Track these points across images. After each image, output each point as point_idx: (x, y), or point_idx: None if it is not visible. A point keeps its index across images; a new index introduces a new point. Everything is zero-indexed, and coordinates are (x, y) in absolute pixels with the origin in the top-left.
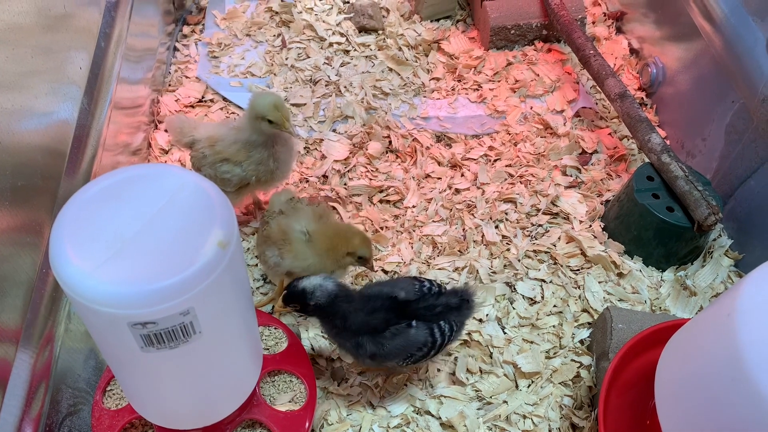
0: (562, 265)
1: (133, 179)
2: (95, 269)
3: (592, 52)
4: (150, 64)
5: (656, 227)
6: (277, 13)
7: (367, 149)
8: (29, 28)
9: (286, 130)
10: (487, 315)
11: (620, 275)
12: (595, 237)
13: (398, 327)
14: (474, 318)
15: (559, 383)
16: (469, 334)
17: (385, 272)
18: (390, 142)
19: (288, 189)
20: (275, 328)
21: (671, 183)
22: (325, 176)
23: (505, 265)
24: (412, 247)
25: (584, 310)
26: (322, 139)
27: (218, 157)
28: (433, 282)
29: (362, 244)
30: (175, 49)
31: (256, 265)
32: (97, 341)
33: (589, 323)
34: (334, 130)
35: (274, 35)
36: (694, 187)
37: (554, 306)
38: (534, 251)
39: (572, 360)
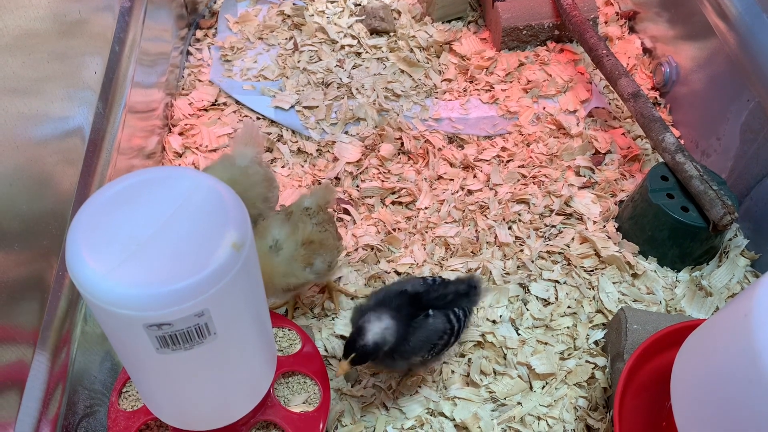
0: (576, 266)
1: (148, 182)
2: (111, 271)
3: (604, 51)
4: (164, 68)
5: (671, 227)
6: (288, 16)
7: (379, 151)
8: (45, 34)
9: None
10: (500, 316)
11: (635, 276)
12: (609, 237)
13: (416, 320)
14: (488, 319)
15: (574, 384)
16: (483, 335)
17: (398, 273)
18: (402, 143)
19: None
20: (289, 330)
21: (686, 183)
22: (337, 178)
23: (518, 267)
24: (424, 249)
25: (599, 311)
26: (335, 141)
27: None
28: (434, 276)
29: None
30: (188, 53)
31: None
32: (113, 343)
33: (603, 324)
34: (346, 132)
35: (286, 38)
36: (709, 187)
37: (568, 307)
38: (548, 252)
39: (587, 361)
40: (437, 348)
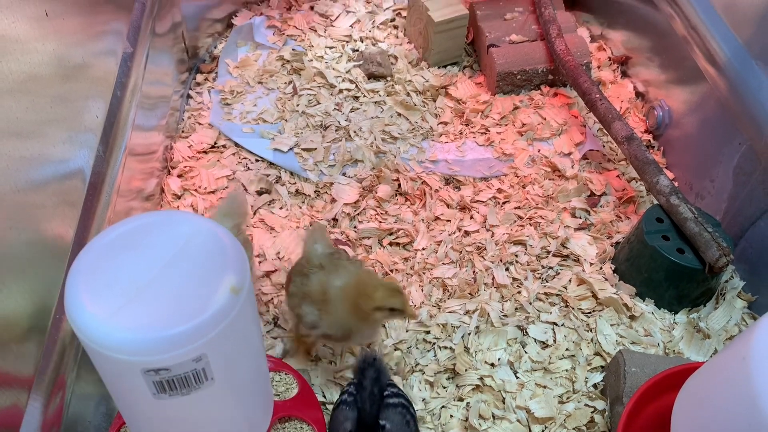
0: (573, 308)
1: (148, 226)
2: (110, 316)
3: (598, 95)
4: (164, 111)
5: (667, 269)
6: (288, 61)
7: (376, 192)
8: (49, 78)
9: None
10: (499, 359)
11: (632, 318)
12: (606, 279)
13: None
14: (486, 362)
15: (573, 429)
16: (481, 378)
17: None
18: (399, 185)
19: (324, 233)
20: (286, 374)
21: (681, 225)
22: (335, 219)
23: (516, 308)
24: (422, 290)
25: (597, 354)
26: (332, 183)
27: None
28: (346, 390)
29: (389, 296)
30: (189, 96)
31: (267, 310)
32: (109, 388)
33: (602, 367)
34: (344, 174)
35: (286, 82)
36: (704, 229)
37: (566, 349)
38: (545, 294)
39: (586, 405)
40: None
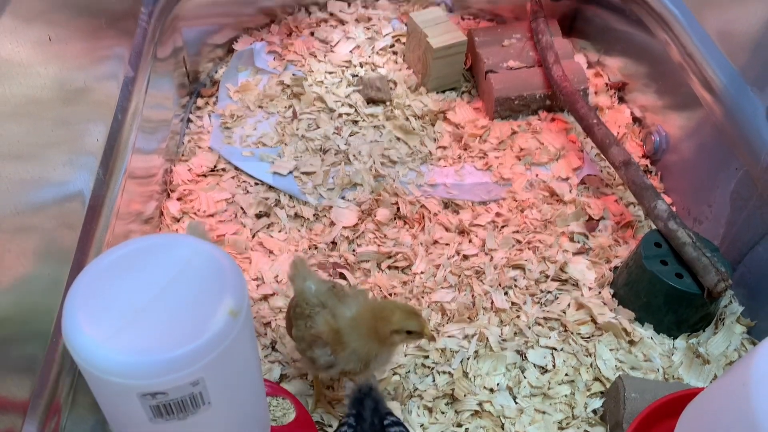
0: (572, 333)
1: (146, 249)
2: (107, 339)
3: (595, 121)
4: (164, 135)
5: (666, 294)
6: (288, 86)
7: (375, 216)
8: (50, 102)
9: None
10: (498, 384)
11: (631, 342)
12: (605, 304)
13: None
14: (485, 387)
15: None
16: (480, 404)
17: None
18: (398, 208)
19: (306, 266)
20: (283, 399)
21: (679, 249)
22: (334, 243)
23: (515, 333)
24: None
25: (596, 379)
26: (332, 206)
27: None
28: (348, 417)
29: (406, 318)
30: (189, 120)
31: (265, 333)
32: (105, 412)
33: (601, 392)
34: (343, 198)
35: (286, 107)
36: (702, 254)
37: (566, 374)
38: (544, 318)
39: (585, 431)
40: None
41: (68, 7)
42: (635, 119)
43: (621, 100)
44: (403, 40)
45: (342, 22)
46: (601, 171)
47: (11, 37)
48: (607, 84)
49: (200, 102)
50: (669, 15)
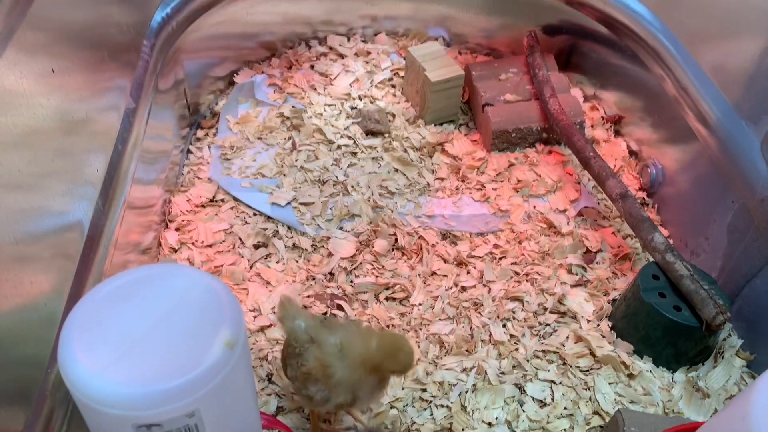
0: (571, 366)
1: (144, 279)
2: (102, 370)
3: (592, 154)
4: (164, 166)
5: (664, 327)
6: (288, 118)
7: (373, 247)
8: (51, 132)
9: None
10: (496, 418)
11: (630, 376)
12: (604, 336)
13: None
14: (483, 421)
15: None
16: None
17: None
18: (396, 239)
19: (293, 305)
20: None
21: (677, 282)
22: (331, 273)
23: (513, 366)
24: (419, 347)
25: (595, 413)
26: (329, 237)
27: None
28: None
29: (411, 361)
30: (189, 151)
31: (261, 365)
32: None
33: (601, 426)
34: (341, 228)
35: (285, 138)
36: (700, 286)
37: (565, 408)
38: (543, 351)
39: None
40: None
41: (71, 40)
42: (631, 152)
43: (617, 133)
44: (402, 73)
45: (341, 56)
46: (598, 203)
47: (15, 68)
48: (603, 117)
49: (200, 133)
50: (664, 50)
